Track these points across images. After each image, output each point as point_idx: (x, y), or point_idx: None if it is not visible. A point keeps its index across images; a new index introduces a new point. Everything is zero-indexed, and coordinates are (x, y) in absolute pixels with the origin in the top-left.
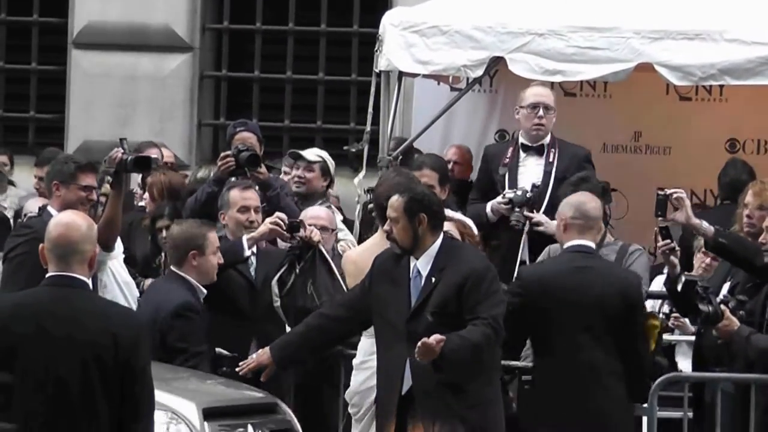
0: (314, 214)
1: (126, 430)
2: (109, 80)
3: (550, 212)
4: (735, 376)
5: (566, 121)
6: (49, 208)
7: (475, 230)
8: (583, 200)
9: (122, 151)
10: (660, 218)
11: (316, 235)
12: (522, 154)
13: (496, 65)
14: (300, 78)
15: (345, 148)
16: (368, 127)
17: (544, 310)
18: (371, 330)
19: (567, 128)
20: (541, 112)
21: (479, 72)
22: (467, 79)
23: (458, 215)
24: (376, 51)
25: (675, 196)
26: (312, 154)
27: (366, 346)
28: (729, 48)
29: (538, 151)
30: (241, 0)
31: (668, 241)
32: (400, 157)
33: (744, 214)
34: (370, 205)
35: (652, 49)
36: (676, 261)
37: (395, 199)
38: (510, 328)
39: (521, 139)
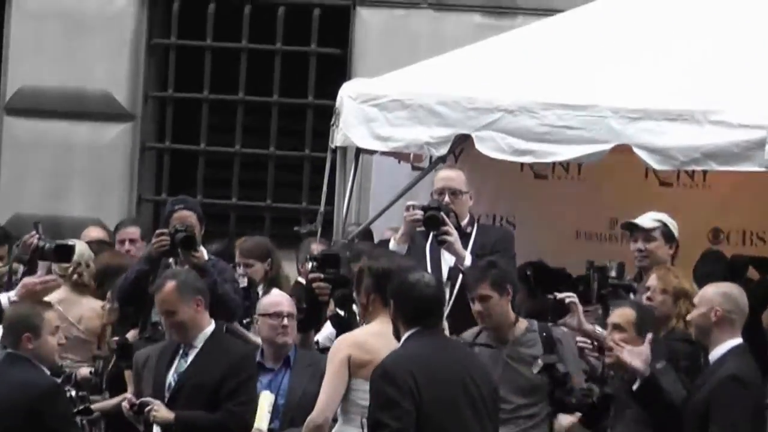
0: (273, 300)
1: None
2: (42, 149)
3: (462, 291)
4: None
5: (537, 205)
6: None
7: None
8: (738, 293)
9: (38, 236)
10: (550, 324)
11: (160, 415)
12: None
13: (461, 143)
14: (249, 152)
15: (296, 228)
16: (322, 207)
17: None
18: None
19: (537, 213)
20: (447, 198)
21: (443, 150)
22: (430, 157)
23: None
24: (333, 125)
25: (567, 300)
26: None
27: None
28: (714, 131)
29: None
30: (187, 66)
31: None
32: (356, 240)
33: (644, 297)
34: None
35: (631, 130)
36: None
37: None
38: None
39: None
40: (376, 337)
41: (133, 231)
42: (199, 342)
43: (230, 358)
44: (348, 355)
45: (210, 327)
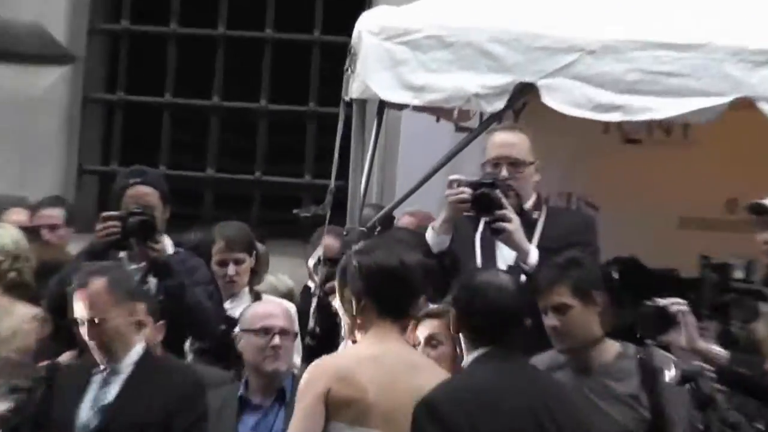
0: (261, 311)
1: None
2: None
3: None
4: None
5: (626, 180)
6: None
7: None
8: None
9: None
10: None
11: None
12: None
13: (524, 96)
14: (232, 107)
15: (296, 212)
16: (332, 182)
17: None
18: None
19: (627, 190)
20: (504, 171)
21: (499, 105)
22: (481, 114)
23: None
24: (347, 70)
25: (674, 309)
26: None
27: None
28: None
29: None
30: None
31: None
32: (378, 228)
33: None
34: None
35: (756, 78)
36: None
37: None
38: None
39: None
40: (368, 362)
41: (55, 214)
42: (126, 366)
43: (177, 388)
44: (325, 388)
45: (140, 345)
